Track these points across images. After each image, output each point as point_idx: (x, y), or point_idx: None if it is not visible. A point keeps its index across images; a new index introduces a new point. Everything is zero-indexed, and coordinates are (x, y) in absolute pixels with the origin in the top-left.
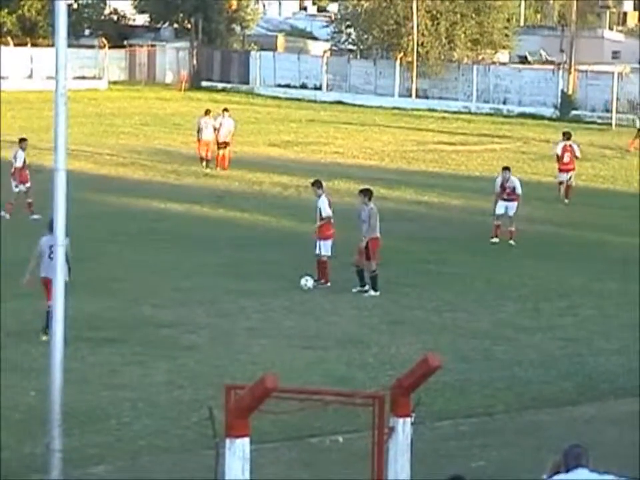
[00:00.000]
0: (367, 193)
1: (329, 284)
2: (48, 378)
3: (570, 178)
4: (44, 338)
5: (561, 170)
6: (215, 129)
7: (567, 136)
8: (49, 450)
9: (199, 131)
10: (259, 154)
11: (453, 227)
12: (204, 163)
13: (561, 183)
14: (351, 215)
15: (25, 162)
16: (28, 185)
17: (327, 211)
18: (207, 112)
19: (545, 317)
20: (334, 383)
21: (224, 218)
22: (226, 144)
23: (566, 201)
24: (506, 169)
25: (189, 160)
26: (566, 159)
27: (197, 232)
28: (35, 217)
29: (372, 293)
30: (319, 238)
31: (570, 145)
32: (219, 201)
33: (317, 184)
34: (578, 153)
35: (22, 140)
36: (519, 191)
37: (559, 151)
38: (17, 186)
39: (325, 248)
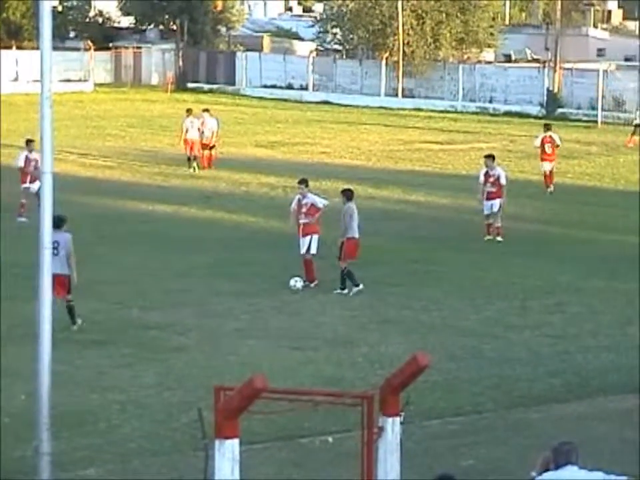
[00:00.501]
0: (345, 193)
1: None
2: (36, 381)
3: (552, 168)
4: (75, 327)
5: (543, 160)
6: (198, 129)
7: (547, 127)
8: (38, 453)
9: (186, 131)
10: (245, 155)
11: (440, 225)
12: (194, 164)
13: (545, 173)
14: (338, 216)
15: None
16: (26, 185)
17: (322, 202)
18: (189, 111)
19: (533, 315)
20: (323, 383)
21: (212, 219)
22: (209, 144)
23: (550, 189)
24: (489, 156)
25: (176, 161)
26: (547, 149)
27: (185, 233)
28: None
29: (354, 289)
30: (309, 234)
31: (550, 136)
32: (206, 202)
33: (304, 182)
34: (558, 142)
35: (29, 141)
36: (503, 181)
37: (538, 143)
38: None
39: (315, 244)
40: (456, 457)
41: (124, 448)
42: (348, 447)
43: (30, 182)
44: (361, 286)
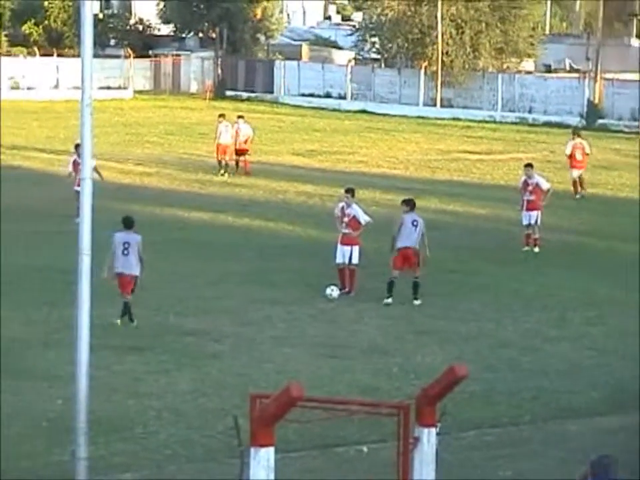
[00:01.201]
0: (407, 203)
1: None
2: (74, 386)
3: (580, 174)
4: (117, 321)
5: (573, 167)
6: (232, 136)
7: (576, 134)
8: (75, 458)
9: (219, 135)
10: (283, 163)
11: (478, 236)
12: (223, 169)
13: (574, 180)
14: (376, 225)
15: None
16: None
17: (365, 218)
18: (222, 116)
19: (572, 327)
20: (359, 392)
21: (248, 227)
22: (244, 150)
23: (578, 195)
24: (528, 165)
25: (214, 169)
26: (578, 156)
27: (222, 240)
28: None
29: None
30: (348, 244)
31: (580, 143)
32: (243, 210)
33: (351, 191)
34: (588, 150)
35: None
36: (544, 186)
37: (569, 151)
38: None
39: (356, 255)
40: (493, 468)
41: (160, 454)
42: (383, 456)
43: (79, 185)
44: (390, 300)
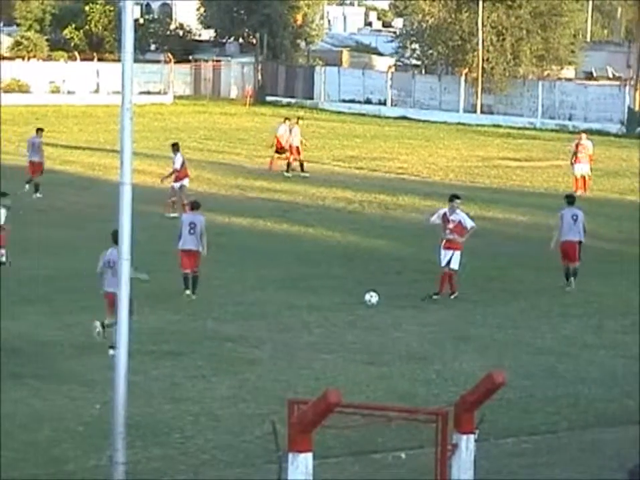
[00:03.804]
0: (567, 198)
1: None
2: (112, 391)
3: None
4: (188, 293)
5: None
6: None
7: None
8: (113, 462)
9: (282, 137)
10: (323, 169)
11: (517, 243)
12: (289, 169)
13: (575, 177)
14: (415, 231)
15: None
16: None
17: (471, 222)
18: (287, 119)
19: (609, 335)
20: (396, 399)
21: (288, 232)
22: (299, 150)
23: (579, 192)
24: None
25: (253, 174)
26: (579, 154)
27: (261, 246)
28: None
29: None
30: (451, 249)
31: (582, 142)
32: (283, 216)
33: (456, 197)
34: (591, 149)
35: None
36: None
37: (574, 148)
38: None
39: (456, 260)
40: (530, 476)
41: (197, 459)
42: (421, 463)
43: (174, 181)
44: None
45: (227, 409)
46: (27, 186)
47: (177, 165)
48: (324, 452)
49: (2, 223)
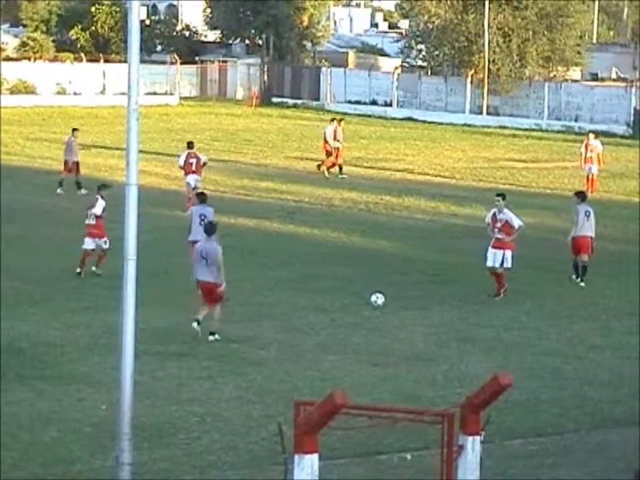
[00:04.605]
0: (578, 195)
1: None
2: (118, 391)
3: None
4: None
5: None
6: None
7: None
8: (119, 463)
9: (332, 138)
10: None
11: (523, 244)
12: (333, 169)
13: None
14: (421, 232)
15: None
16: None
17: (518, 222)
18: (333, 120)
19: (616, 336)
20: (402, 400)
21: (294, 233)
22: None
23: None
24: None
25: (259, 175)
26: (588, 154)
27: (267, 247)
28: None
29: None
30: (501, 248)
31: (590, 142)
32: (289, 217)
33: (502, 196)
34: (599, 148)
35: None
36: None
37: (583, 149)
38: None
39: (507, 259)
40: (536, 477)
41: (203, 460)
42: (426, 464)
43: (186, 175)
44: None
45: (233, 410)
46: (64, 186)
47: (203, 160)
48: (330, 453)
49: (99, 213)
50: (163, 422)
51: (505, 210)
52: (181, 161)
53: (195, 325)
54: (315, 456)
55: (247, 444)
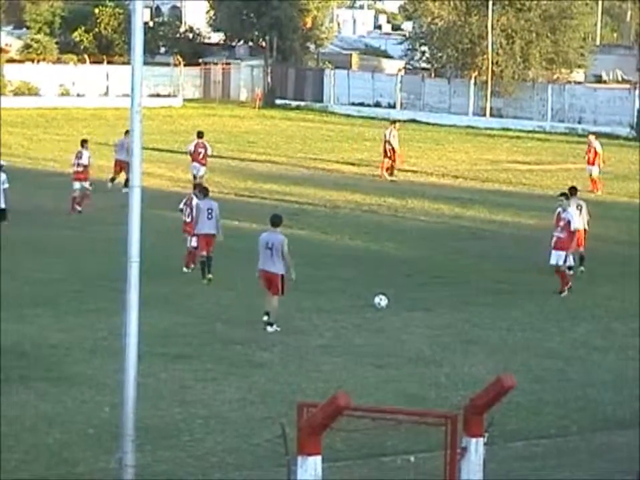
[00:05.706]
0: (570, 191)
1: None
2: (121, 393)
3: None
4: (208, 277)
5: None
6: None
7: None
8: (122, 465)
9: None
10: (332, 172)
11: (526, 246)
12: (387, 172)
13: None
14: (424, 234)
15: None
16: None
17: (575, 225)
18: (394, 123)
19: (619, 338)
20: (405, 402)
21: (297, 235)
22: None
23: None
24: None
25: (263, 177)
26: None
27: None
28: None
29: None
30: (562, 249)
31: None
32: (292, 219)
33: (568, 193)
34: (599, 149)
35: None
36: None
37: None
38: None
39: (569, 258)
40: (539, 479)
41: (206, 462)
42: (430, 466)
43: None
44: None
45: (236, 411)
46: (109, 184)
47: (209, 151)
48: (333, 455)
49: (86, 163)
50: (166, 424)
51: (569, 209)
52: (191, 148)
53: (265, 317)
54: (318, 458)
55: (250, 446)
